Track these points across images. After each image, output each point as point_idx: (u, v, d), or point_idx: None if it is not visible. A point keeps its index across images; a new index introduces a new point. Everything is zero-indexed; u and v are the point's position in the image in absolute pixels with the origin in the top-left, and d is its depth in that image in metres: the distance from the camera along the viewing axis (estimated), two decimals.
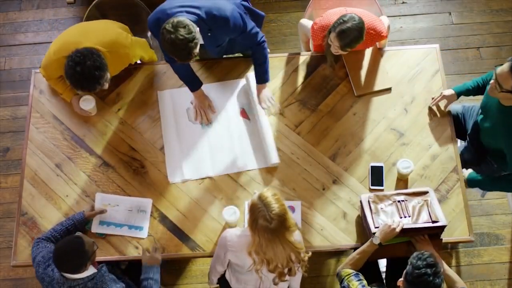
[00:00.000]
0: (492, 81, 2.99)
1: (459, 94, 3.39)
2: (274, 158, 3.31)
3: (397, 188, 3.27)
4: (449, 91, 3.39)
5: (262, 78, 3.38)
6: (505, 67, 2.89)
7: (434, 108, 3.43)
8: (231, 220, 3.11)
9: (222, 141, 3.42)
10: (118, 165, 3.38)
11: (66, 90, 3.49)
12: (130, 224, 3.23)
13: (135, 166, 3.38)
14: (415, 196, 3.11)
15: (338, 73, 3.56)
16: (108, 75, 3.21)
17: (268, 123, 3.42)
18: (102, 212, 3.21)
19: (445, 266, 2.91)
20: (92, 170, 3.37)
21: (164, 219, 3.25)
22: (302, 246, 2.80)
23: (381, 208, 3.08)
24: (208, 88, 3.53)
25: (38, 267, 2.89)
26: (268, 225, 2.63)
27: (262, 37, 3.32)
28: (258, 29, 3.30)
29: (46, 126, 3.50)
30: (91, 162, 3.40)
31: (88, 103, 3.43)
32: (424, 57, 3.60)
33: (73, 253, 2.72)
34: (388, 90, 3.51)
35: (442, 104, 3.43)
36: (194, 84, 3.43)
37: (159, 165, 3.37)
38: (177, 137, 3.43)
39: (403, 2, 4.75)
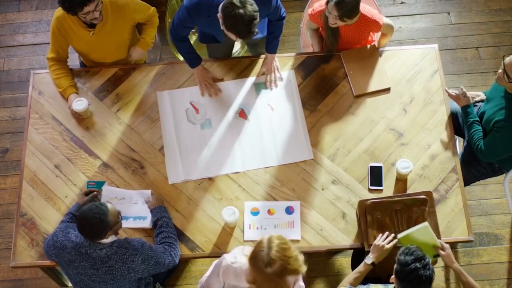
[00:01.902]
0: (500, 70, 3.04)
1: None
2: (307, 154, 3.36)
3: (396, 188, 3.27)
4: (479, 92, 3.55)
5: (274, 48, 3.52)
6: None
7: (451, 91, 3.38)
8: (230, 221, 3.11)
9: (221, 142, 3.42)
10: (117, 165, 3.38)
11: (67, 86, 3.50)
12: (134, 215, 3.23)
13: (134, 167, 3.38)
14: (413, 207, 3.08)
15: (337, 73, 3.57)
16: (100, 5, 3.26)
17: (268, 124, 3.44)
18: (94, 196, 3.23)
19: (464, 273, 2.91)
20: (91, 171, 3.37)
21: None
22: None
23: (378, 217, 3.07)
24: None
25: (56, 237, 2.94)
26: (262, 268, 2.54)
27: (284, 11, 3.40)
28: (280, 2, 3.36)
29: (45, 127, 3.50)
30: (90, 163, 3.39)
31: (80, 105, 3.42)
32: (423, 57, 3.60)
33: (93, 220, 2.77)
34: (387, 90, 3.51)
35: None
36: (195, 60, 3.48)
37: (159, 166, 3.37)
38: (176, 138, 3.43)
39: (402, 2, 4.75)
